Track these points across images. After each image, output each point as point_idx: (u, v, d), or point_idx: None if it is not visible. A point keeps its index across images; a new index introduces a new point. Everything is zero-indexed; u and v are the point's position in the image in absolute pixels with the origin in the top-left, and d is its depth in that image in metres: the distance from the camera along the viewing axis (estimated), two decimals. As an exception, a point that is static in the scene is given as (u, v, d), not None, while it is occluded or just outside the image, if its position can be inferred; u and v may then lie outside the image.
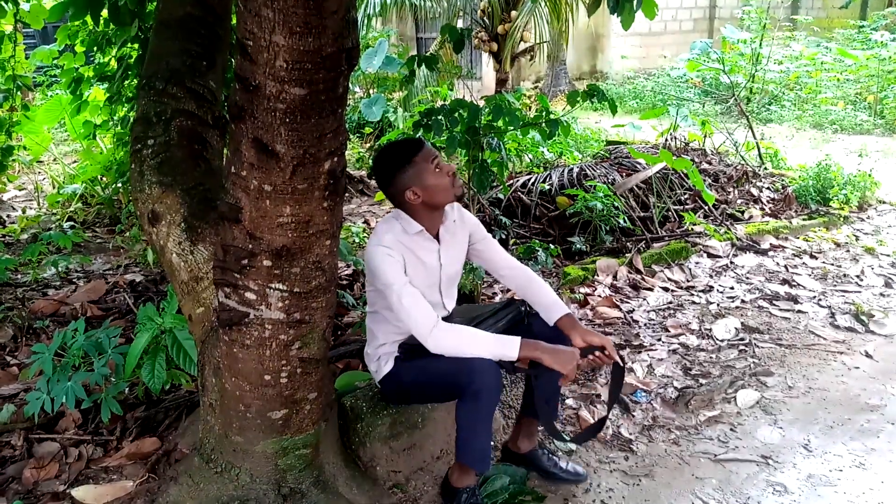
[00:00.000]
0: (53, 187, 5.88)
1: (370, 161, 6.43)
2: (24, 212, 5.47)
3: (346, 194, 6.09)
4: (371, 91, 8.77)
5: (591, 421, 2.73)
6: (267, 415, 1.99)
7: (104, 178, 5.20)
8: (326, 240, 1.91)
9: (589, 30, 12.52)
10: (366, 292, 2.31)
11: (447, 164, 2.14)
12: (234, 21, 2.69)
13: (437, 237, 2.21)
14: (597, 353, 2.16)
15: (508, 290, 3.82)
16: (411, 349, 2.20)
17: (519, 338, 2.02)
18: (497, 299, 3.83)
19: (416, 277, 2.12)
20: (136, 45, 3.88)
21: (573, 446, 2.59)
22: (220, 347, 2.00)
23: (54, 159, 6.61)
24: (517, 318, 2.32)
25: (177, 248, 2.18)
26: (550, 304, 2.28)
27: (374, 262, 2.10)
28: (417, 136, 2.19)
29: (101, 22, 3.91)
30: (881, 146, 7.84)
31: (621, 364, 2.20)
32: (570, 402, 2.87)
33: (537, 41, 9.15)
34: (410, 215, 2.15)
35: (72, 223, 5.07)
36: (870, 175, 5.62)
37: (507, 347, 2.01)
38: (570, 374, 2.02)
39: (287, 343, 1.93)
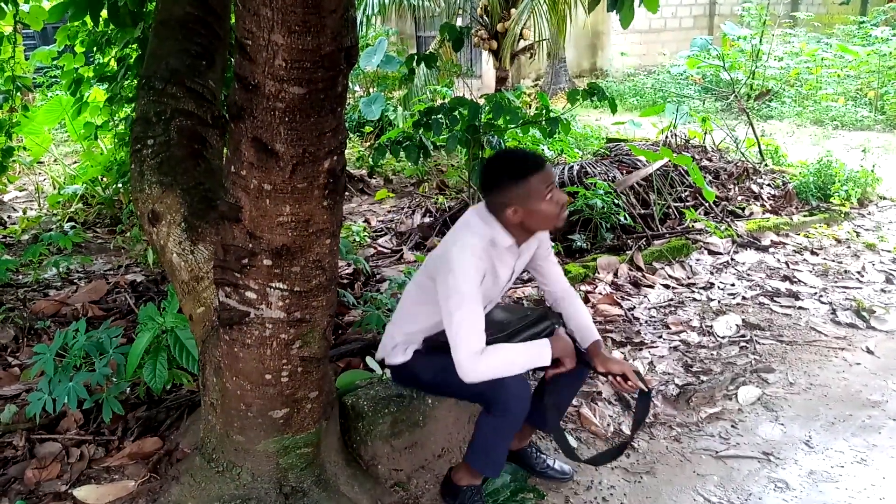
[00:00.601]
0: (54, 188, 5.88)
1: (371, 160, 6.43)
2: (24, 213, 5.47)
3: (347, 193, 6.09)
4: (371, 90, 8.77)
5: (594, 419, 2.73)
6: (268, 414, 1.99)
7: (105, 179, 5.20)
8: (327, 239, 1.90)
9: (588, 27, 12.51)
10: (422, 274, 2.20)
11: (561, 193, 2.02)
12: (233, 20, 2.69)
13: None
14: (618, 378, 2.13)
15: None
16: (437, 345, 2.13)
17: (548, 343, 2.02)
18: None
19: (486, 289, 2.05)
20: (135, 46, 3.88)
21: (574, 443, 2.59)
22: (221, 347, 2.00)
23: (55, 160, 6.61)
24: (550, 334, 2.20)
25: (177, 247, 2.18)
26: (585, 328, 2.26)
27: (457, 264, 1.98)
28: (539, 154, 2.11)
29: (101, 22, 3.92)
30: (882, 142, 7.83)
31: (646, 390, 2.16)
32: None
33: (537, 39, 9.14)
34: (504, 227, 2.05)
35: (72, 224, 5.07)
36: (871, 171, 5.62)
37: (540, 358, 2.01)
38: (569, 366, 2.06)
39: (288, 342, 1.93)
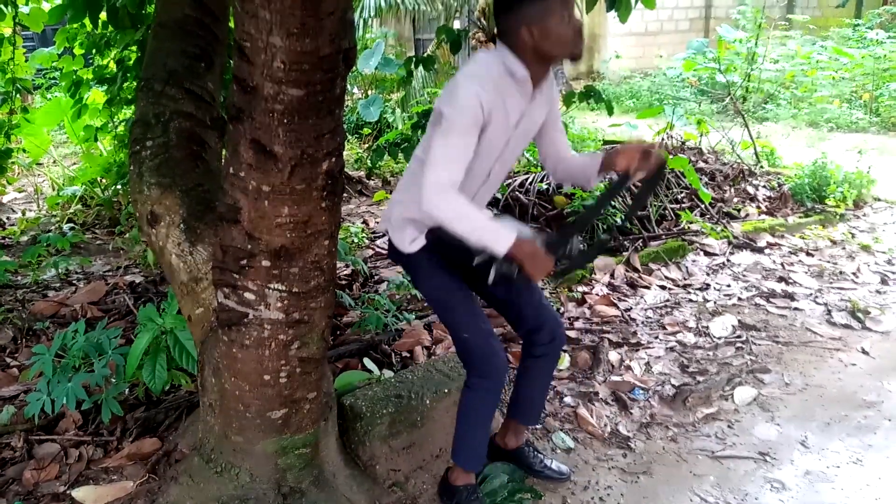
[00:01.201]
0: (53, 189, 5.89)
1: (369, 161, 6.44)
2: (23, 214, 5.47)
3: (345, 194, 6.10)
4: (369, 92, 8.79)
5: (590, 420, 2.74)
6: (266, 414, 2.00)
7: (104, 180, 5.21)
8: (325, 240, 1.92)
9: (586, 29, 12.52)
10: (424, 140, 2.04)
11: (578, 18, 1.88)
12: (231, 22, 2.71)
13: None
14: (639, 160, 1.95)
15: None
16: (438, 241, 2.02)
17: (513, 234, 1.81)
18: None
19: (491, 134, 1.89)
20: (134, 48, 3.90)
21: (571, 444, 2.60)
22: (220, 348, 2.01)
23: (54, 161, 6.62)
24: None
25: (176, 248, 2.19)
26: (586, 162, 2.13)
27: (459, 92, 1.83)
28: None
29: (100, 24, 3.93)
30: (877, 144, 7.85)
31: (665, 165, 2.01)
32: (568, 399, 2.89)
33: (534, 41, 9.15)
34: (516, 56, 1.88)
35: (71, 225, 5.08)
36: (866, 173, 5.64)
37: (496, 240, 1.81)
38: (535, 279, 1.89)
39: (286, 343, 1.94)
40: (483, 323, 2.10)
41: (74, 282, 4.01)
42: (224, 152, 1.97)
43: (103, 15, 3.64)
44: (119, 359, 2.54)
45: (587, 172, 2.14)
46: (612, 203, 4.60)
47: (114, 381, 2.56)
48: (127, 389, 2.70)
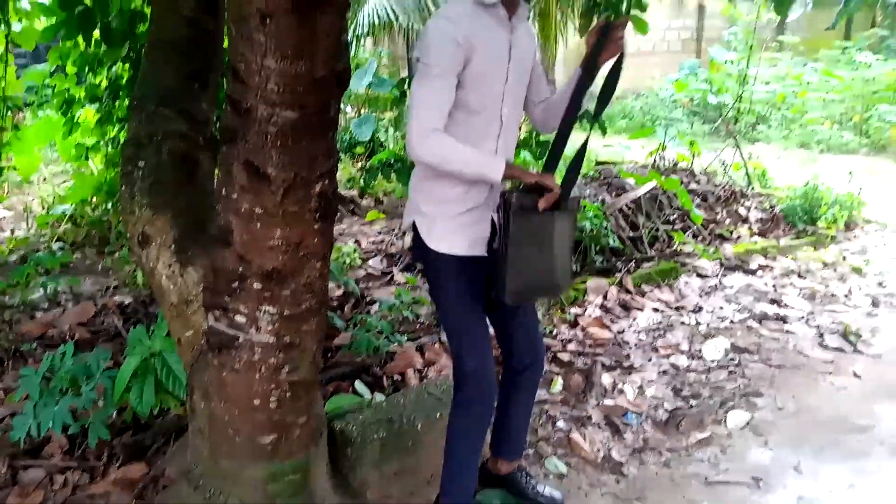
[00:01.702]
0: (43, 208, 5.84)
1: (362, 182, 6.44)
2: (12, 233, 5.42)
3: (338, 214, 6.09)
4: (362, 110, 8.81)
5: (583, 445, 2.71)
6: (256, 440, 1.97)
7: (95, 199, 5.18)
8: (317, 262, 1.90)
9: (579, 50, 12.63)
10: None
11: None
12: (226, 43, 2.71)
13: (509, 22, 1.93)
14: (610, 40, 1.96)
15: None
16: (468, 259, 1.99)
17: (503, 160, 1.88)
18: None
19: (482, 65, 1.85)
20: (126, 66, 3.89)
21: (564, 469, 2.58)
22: (210, 371, 1.99)
23: (44, 179, 6.58)
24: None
25: (166, 270, 2.16)
26: (563, 91, 2.10)
27: (427, 35, 1.82)
28: None
29: (93, 43, 3.93)
30: (867, 166, 7.92)
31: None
32: (560, 424, 2.86)
33: (527, 62, 9.20)
34: None
35: (61, 244, 5.03)
36: (857, 195, 5.68)
37: (491, 168, 1.86)
38: (554, 189, 1.89)
39: (277, 367, 1.92)
40: (486, 345, 2.07)
41: (63, 302, 3.97)
42: (217, 173, 1.96)
43: (97, 33, 3.64)
44: (107, 382, 2.50)
45: (562, 108, 2.08)
46: (605, 224, 4.60)
47: (101, 404, 2.53)
48: (115, 413, 2.65)
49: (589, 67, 2.00)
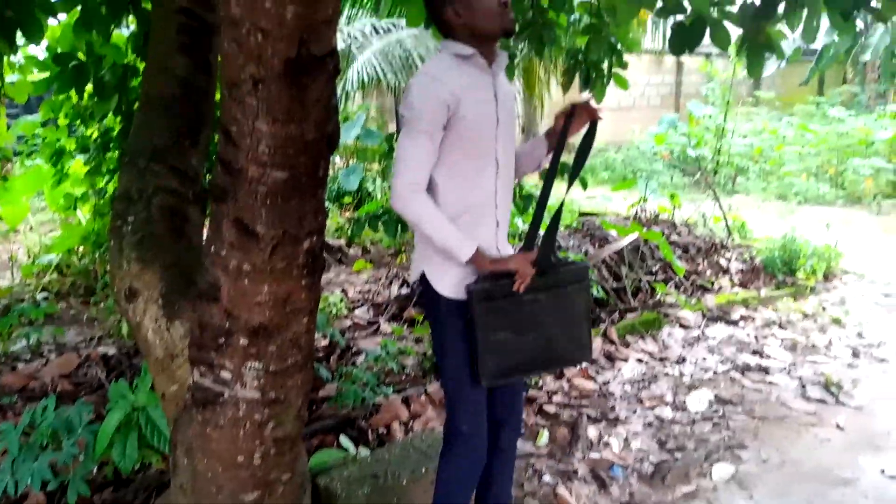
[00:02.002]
0: (29, 257, 5.82)
1: (349, 232, 6.49)
2: (-5, 282, 5.40)
3: (325, 262, 6.12)
4: (351, 161, 8.91)
5: (570, 499, 2.70)
6: (239, 497, 1.96)
7: (81, 249, 5.18)
8: (304, 317, 1.92)
9: (562, 104, 12.90)
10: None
11: None
12: (218, 97, 2.77)
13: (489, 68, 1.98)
14: (577, 116, 2.06)
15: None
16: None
17: (474, 245, 1.89)
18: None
19: (472, 111, 1.89)
20: (118, 118, 3.95)
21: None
22: (194, 427, 1.98)
23: (31, 228, 6.57)
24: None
25: (153, 324, 2.17)
26: (536, 140, 2.20)
27: (412, 92, 1.86)
28: None
29: (86, 96, 3.99)
30: (843, 216, 8.10)
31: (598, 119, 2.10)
32: (547, 478, 2.85)
33: (512, 115, 9.40)
34: (456, 40, 1.92)
35: (45, 294, 5.01)
36: (834, 246, 5.79)
37: (460, 249, 1.88)
38: (522, 272, 1.92)
39: (261, 423, 1.92)
40: (484, 409, 2.07)
41: (46, 353, 3.94)
42: (206, 228, 1.99)
43: (89, 87, 3.71)
44: (89, 436, 2.48)
45: (535, 154, 2.18)
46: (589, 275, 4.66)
47: (82, 459, 2.49)
48: (95, 468, 2.62)
49: (559, 145, 2.10)
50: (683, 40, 2.88)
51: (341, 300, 4.90)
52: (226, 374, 1.88)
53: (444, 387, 2.11)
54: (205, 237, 1.99)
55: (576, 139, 2.21)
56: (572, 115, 2.08)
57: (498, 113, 1.98)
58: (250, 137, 1.60)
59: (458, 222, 1.93)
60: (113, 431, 2.42)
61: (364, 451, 2.70)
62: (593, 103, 2.09)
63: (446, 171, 1.92)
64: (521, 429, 2.28)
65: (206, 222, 2.14)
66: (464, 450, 2.06)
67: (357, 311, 4.89)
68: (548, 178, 2.08)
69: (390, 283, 5.51)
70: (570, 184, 2.19)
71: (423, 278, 2.02)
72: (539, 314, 1.99)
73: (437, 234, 1.88)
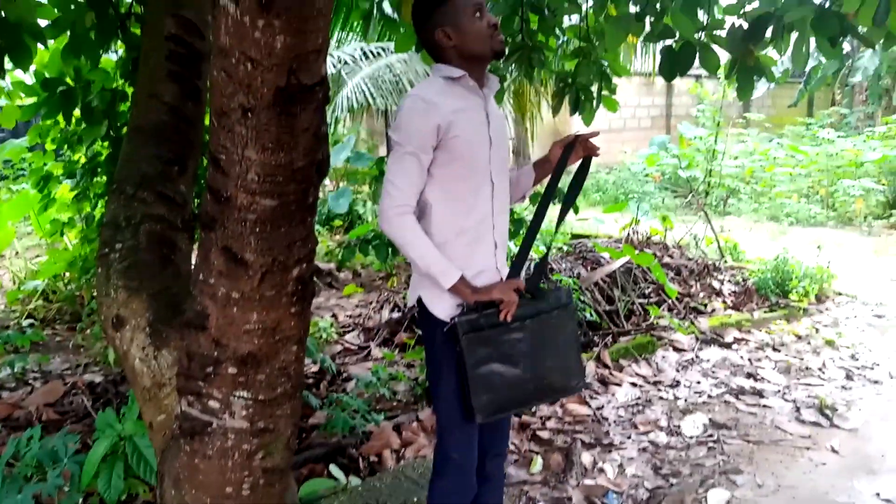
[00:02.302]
0: (14, 283, 5.76)
1: (340, 257, 6.46)
2: (-19, 308, 5.34)
3: (315, 288, 6.08)
4: (341, 184, 8.91)
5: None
6: (227, 530, 1.91)
7: (68, 275, 5.13)
8: (293, 345, 1.90)
9: (553, 127, 12.99)
10: None
11: (492, 16, 1.92)
12: (207, 122, 2.76)
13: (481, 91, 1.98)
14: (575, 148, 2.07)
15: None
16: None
17: (459, 274, 1.87)
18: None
19: (465, 132, 1.89)
20: (106, 143, 3.93)
21: None
22: (181, 458, 1.94)
23: (17, 254, 6.52)
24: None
25: (140, 353, 2.14)
26: (524, 170, 2.21)
27: (401, 115, 1.87)
28: None
29: (73, 121, 3.98)
30: (835, 238, 8.13)
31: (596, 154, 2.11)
32: (540, 505, 2.82)
33: (503, 137, 9.45)
34: (446, 62, 1.93)
35: (31, 321, 4.95)
36: (826, 268, 5.81)
37: (443, 275, 1.86)
38: (508, 301, 1.90)
39: (250, 453, 1.88)
40: (476, 438, 2.04)
41: (31, 381, 3.88)
42: (194, 255, 1.97)
43: (77, 112, 3.70)
44: (74, 467, 2.43)
45: (522, 183, 2.20)
46: (582, 298, 4.65)
47: (67, 490, 2.44)
48: (81, 500, 2.56)
49: (556, 172, 2.10)
50: (673, 65, 2.90)
51: (331, 325, 4.87)
52: (214, 404, 1.85)
53: (437, 412, 2.08)
54: (193, 264, 1.97)
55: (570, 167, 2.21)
56: (573, 146, 2.08)
57: (490, 134, 1.99)
58: (239, 165, 1.59)
59: (456, 244, 1.92)
60: (99, 461, 2.38)
61: (355, 481, 2.66)
62: (589, 129, 2.13)
63: (441, 194, 1.92)
64: (506, 454, 2.25)
65: (195, 249, 2.12)
66: (454, 477, 2.03)
67: (348, 336, 4.86)
68: (541, 205, 2.08)
69: (381, 307, 5.47)
70: (562, 216, 2.18)
71: (419, 301, 2.00)
72: (528, 343, 1.97)
73: (421, 259, 1.87)
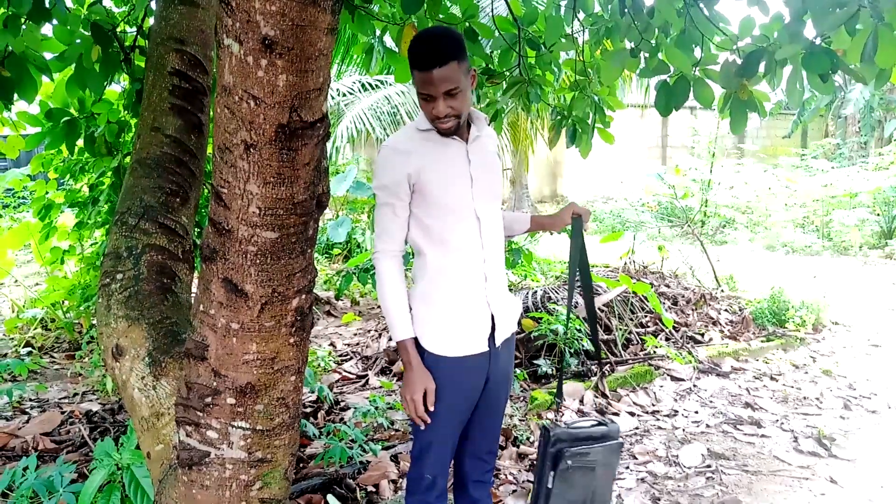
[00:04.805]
0: (13, 311, 5.77)
1: (338, 286, 6.48)
2: (-21, 336, 5.33)
3: (314, 319, 6.09)
4: (340, 213, 8.97)
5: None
6: (224, 561, 1.91)
7: (66, 303, 5.14)
8: (292, 375, 1.91)
9: (549, 156, 13.11)
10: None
11: (438, 105, 1.90)
12: (209, 151, 2.80)
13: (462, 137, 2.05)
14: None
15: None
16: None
17: (412, 336, 2.00)
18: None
19: (437, 175, 1.96)
20: (109, 174, 3.97)
21: None
22: (179, 488, 1.94)
23: (16, 282, 6.53)
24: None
25: (139, 383, 2.15)
26: (515, 217, 2.36)
27: (377, 166, 2.01)
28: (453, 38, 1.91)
29: (76, 151, 4.02)
30: (830, 267, 8.17)
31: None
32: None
33: (501, 168, 9.55)
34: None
35: (29, 349, 4.95)
36: (823, 297, 5.84)
37: (397, 329, 2.00)
38: (412, 401, 2.01)
39: (248, 483, 1.89)
40: (449, 454, 2.11)
41: (28, 409, 3.87)
42: (195, 286, 1.99)
43: (80, 142, 3.74)
44: (70, 497, 2.42)
45: (514, 228, 2.36)
46: (578, 328, 4.66)
47: (62, 521, 2.43)
48: (76, 531, 2.55)
49: (582, 256, 2.34)
50: (669, 100, 2.95)
51: (329, 354, 4.87)
52: (212, 434, 1.86)
53: (414, 434, 2.14)
54: (193, 295, 1.99)
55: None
56: (579, 217, 2.26)
57: (471, 172, 2.04)
58: (241, 199, 1.62)
59: (439, 280, 2.02)
60: (95, 491, 2.37)
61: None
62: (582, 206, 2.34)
63: (423, 232, 2.03)
64: (491, 480, 2.29)
65: (195, 279, 2.15)
66: (427, 495, 2.09)
67: (346, 365, 4.86)
68: (587, 298, 2.50)
69: (379, 335, 5.48)
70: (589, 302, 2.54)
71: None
72: (598, 474, 2.18)
73: (384, 304, 2.02)
